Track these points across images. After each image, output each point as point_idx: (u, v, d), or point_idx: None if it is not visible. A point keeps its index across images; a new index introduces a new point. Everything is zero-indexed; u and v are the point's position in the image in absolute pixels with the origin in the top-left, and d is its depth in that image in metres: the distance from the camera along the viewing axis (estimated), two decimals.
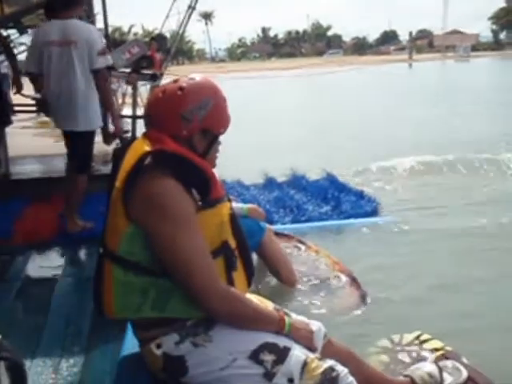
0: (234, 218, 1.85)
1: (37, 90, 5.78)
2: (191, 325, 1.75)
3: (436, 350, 2.37)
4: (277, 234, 3.69)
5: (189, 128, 1.77)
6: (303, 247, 3.79)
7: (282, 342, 1.78)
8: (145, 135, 1.81)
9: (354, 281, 3.34)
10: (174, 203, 1.66)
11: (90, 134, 4.29)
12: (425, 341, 2.46)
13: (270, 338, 1.77)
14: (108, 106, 4.46)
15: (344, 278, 3.37)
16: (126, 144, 1.87)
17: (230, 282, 1.77)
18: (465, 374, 2.18)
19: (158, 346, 1.75)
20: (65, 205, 4.35)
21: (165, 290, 1.71)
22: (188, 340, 1.73)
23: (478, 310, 3.09)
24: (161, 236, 1.66)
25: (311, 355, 1.79)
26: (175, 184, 1.66)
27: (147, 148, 1.72)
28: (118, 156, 1.84)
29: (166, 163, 1.68)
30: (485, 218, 4.85)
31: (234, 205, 1.97)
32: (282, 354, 1.75)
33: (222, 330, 1.75)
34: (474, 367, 2.26)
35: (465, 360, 2.31)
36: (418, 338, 2.49)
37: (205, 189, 1.72)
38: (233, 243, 1.82)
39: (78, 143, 4.26)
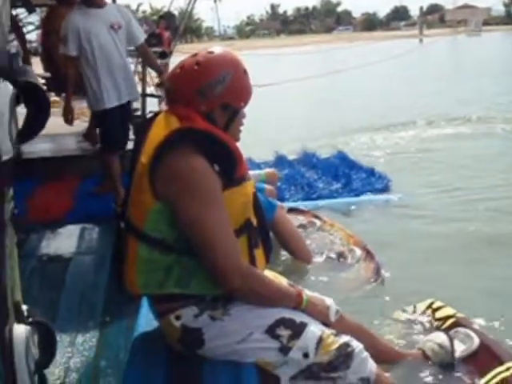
0: (256, 196, 1.85)
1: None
2: (210, 299, 1.76)
3: (448, 317, 2.38)
4: (292, 209, 3.71)
5: (207, 103, 1.73)
6: (318, 222, 3.82)
7: (299, 317, 1.79)
8: (170, 111, 1.78)
9: (368, 253, 3.35)
10: (203, 180, 1.65)
11: (100, 114, 4.33)
12: (437, 308, 2.46)
13: (287, 314, 1.78)
14: None
15: (359, 252, 3.39)
16: (148, 119, 1.85)
17: (252, 259, 1.77)
18: (477, 341, 2.17)
19: (177, 318, 1.76)
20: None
21: (189, 268, 1.71)
22: (206, 313, 1.74)
23: (491, 283, 3.11)
24: (187, 213, 1.65)
25: (327, 331, 1.80)
26: (203, 161, 1.65)
27: (176, 125, 1.70)
28: (140, 131, 1.82)
29: (195, 141, 1.66)
30: (496, 193, 4.83)
31: (251, 172, 1.96)
32: (298, 329, 1.76)
33: (240, 305, 1.75)
34: (487, 334, 2.26)
35: (477, 326, 2.31)
36: (430, 306, 2.50)
37: (232, 167, 1.71)
38: (254, 221, 1.82)
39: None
